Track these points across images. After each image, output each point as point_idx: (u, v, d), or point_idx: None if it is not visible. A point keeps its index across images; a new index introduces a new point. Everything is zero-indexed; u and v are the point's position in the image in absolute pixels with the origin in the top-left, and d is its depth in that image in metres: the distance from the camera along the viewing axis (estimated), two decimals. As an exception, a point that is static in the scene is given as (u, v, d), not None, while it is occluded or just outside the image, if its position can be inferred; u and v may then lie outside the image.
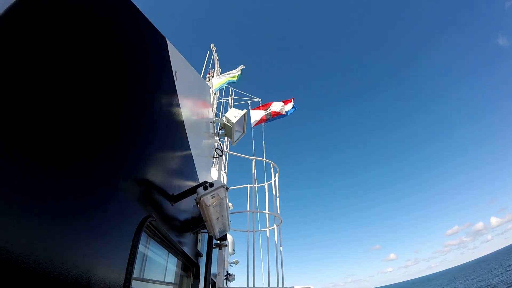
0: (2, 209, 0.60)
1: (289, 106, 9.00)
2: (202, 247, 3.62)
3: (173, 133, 2.16)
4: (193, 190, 2.30)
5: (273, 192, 5.75)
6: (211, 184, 2.31)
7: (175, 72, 2.14)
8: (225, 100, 8.61)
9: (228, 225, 3.29)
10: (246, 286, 4.60)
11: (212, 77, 8.37)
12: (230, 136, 4.79)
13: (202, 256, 3.48)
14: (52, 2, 0.82)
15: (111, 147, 1.14)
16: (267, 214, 5.51)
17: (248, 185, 5.63)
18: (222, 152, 4.76)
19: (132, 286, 1.24)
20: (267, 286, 4.79)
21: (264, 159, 6.09)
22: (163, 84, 1.89)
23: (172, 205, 2.12)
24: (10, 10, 0.66)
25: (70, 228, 0.83)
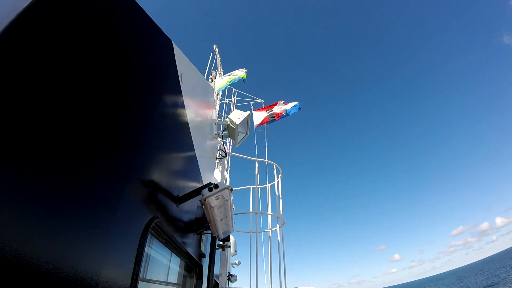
0: (13, 210, 0.61)
1: (290, 106, 8.97)
2: (205, 248, 3.63)
3: (178, 135, 2.17)
4: (198, 192, 2.31)
5: (276, 193, 5.75)
6: (216, 186, 2.32)
7: (181, 75, 2.16)
8: (227, 101, 8.62)
9: (232, 226, 3.30)
10: (249, 287, 4.59)
11: (215, 78, 8.38)
12: (233, 138, 4.80)
13: (205, 257, 3.48)
14: (61, 6, 0.83)
15: (119, 149, 1.15)
16: (269, 215, 5.51)
17: (251, 186, 5.63)
18: (225, 153, 4.77)
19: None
20: (270, 287, 4.78)
21: (267, 160, 6.08)
22: (169, 86, 1.90)
23: (177, 206, 2.13)
24: (18, 11, 0.67)
25: (78, 230, 0.85)
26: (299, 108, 9.01)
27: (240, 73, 8.46)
